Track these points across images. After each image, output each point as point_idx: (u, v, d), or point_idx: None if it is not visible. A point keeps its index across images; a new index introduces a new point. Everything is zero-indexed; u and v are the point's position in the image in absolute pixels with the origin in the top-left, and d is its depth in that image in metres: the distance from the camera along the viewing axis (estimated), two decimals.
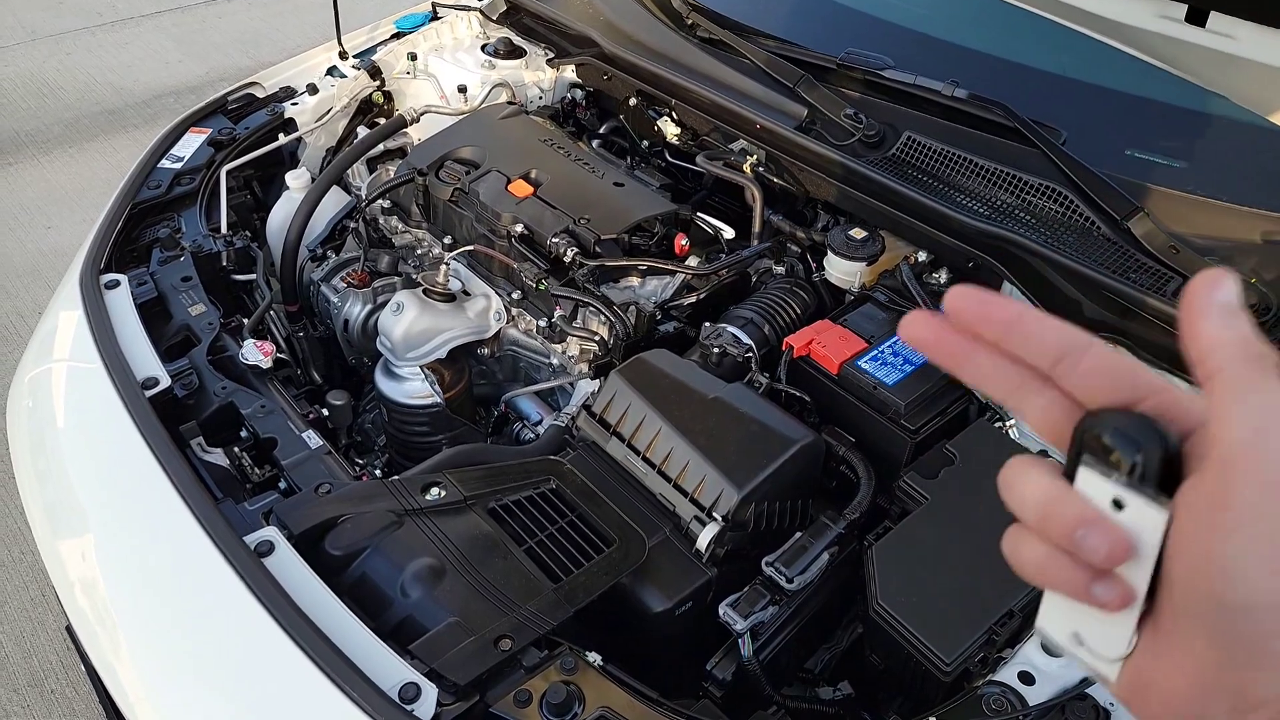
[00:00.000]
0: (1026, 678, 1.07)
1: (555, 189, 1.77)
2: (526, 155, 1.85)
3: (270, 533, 1.25)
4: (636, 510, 1.33)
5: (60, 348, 1.62)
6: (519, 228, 1.70)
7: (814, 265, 1.76)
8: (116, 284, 1.68)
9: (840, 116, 1.79)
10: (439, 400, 1.69)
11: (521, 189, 1.76)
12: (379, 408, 1.78)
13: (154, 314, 1.67)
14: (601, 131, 2.17)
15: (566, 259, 1.65)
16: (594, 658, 1.14)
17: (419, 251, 1.95)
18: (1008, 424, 1.36)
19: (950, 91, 1.70)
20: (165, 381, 1.50)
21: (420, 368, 1.69)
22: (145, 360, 1.53)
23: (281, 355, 1.71)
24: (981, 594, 1.14)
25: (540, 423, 1.69)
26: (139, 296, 1.67)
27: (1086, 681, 1.05)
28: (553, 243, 1.66)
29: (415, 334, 1.66)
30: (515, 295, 1.73)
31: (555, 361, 1.74)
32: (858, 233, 1.66)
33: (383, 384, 1.71)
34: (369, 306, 1.82)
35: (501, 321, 1.74)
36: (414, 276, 1.80)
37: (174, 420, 1.48)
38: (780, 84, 1.87)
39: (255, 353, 1.59)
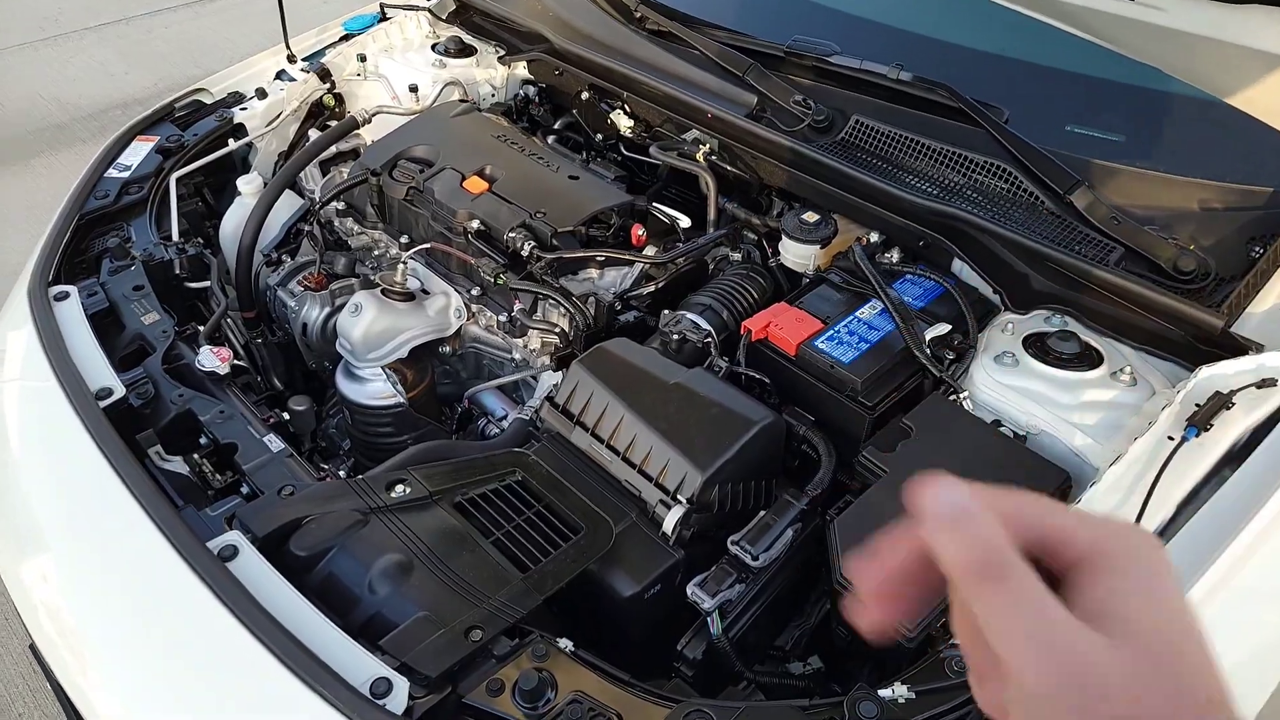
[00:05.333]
0: None
1: (510, 184, 1.77)
2: (480, 152, 1.85)
3: (234, 537, 1.24)
4: (603, 497, 1.33)
5: (10, 363, 1.59)
6: (475, 224, 1.70)
7: (770, 250, 1.78)
8: (66, 295, 1.66)
9: (789, 103, 1.81)
10: (402, 400, 1.68)
11: (477, 185, 1.76)
12: (342, 411, 1.77)
13: (106, 324, 1.65)
14: (556, 127, 2.18)
15: (524, 253, 1.65)
16: (565, 644, 1.14)
17: (376, 252, 1.95)
18: (961, 396, 1.38)
19: (895, 75, 1.73)
20: (120, 391, 1.48)
21: (382, 368, 1.68)
22: (98, 371, 1.51)
23: (240, 363, 1.69)
24: None
25: (505, 418, 1.69)
26: (90, 307, 1.65)
27: None
28: (509, 237, 1.66)
29: (375, 334, 1.65)
30: (475, 292, 1.73)
31: (517, 356, 1.74)
32: (811, 217, 1.68)
33: (344, 386, 1.71)
34: (327, 309, 1.80)
35: (462, 319, 1.74)
36: (372, 277, 1.79)
37: (130, 430, 1.46)
38: (730, 73, 1.89)
39: (211, 359, 1.57)
